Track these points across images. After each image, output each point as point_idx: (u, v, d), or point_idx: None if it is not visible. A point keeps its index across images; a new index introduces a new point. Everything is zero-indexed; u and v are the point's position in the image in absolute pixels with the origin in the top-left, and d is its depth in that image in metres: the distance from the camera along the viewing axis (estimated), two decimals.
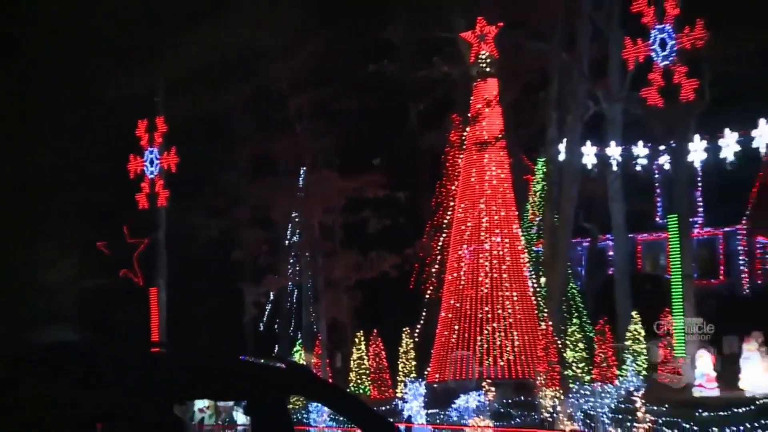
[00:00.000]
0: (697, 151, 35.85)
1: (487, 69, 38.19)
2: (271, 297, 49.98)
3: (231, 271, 45.60)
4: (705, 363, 32.41)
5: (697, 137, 35.82)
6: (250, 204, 43.93)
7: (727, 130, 35.36)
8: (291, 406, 30.40)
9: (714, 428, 27.73)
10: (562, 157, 37.82)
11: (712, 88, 36.23)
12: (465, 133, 39.82)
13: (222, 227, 44.41)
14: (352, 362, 38.44)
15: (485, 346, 36.14)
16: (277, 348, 48.94)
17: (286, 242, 47.60)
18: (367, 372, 37.92)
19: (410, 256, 45.50)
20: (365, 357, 38.12)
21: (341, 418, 29.03)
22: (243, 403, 27.72)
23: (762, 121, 34.78)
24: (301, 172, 44.29)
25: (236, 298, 46.07)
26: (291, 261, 47.91)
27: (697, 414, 28.73)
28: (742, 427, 27.93)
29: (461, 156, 40.43)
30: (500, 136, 37.77)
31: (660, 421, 28.10)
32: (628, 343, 33.72)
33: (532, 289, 38.00)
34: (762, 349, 31.56)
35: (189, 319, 44.30)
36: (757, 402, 28.98)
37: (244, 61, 39.86)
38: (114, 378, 7.30)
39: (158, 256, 42.65)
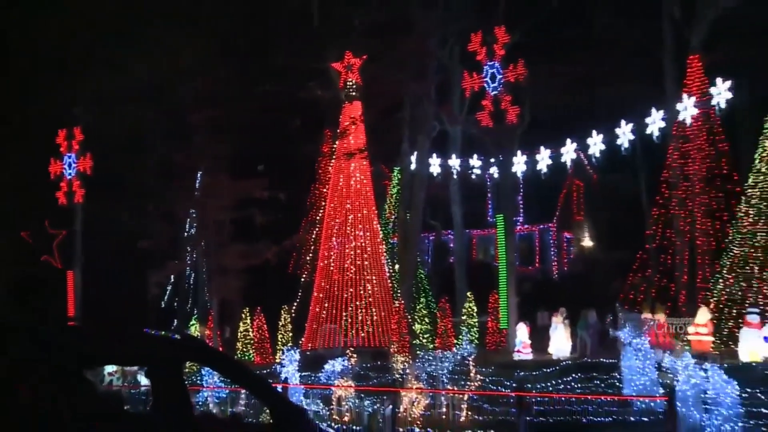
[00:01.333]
0: (519, 163, 37.41)
1: (353, 93, 38.91)
2: (172, 279, 50.68)
3: (139, 258, 45.64)
4: (522, 333, 33.89)
5: (519, 152, 37.48)
6: (156, 202, 44.34)
7: (542, 147, 37.02)
8: (186, 370, 31.25)
9: (528, 384, 27.90)
10: (413, 166, 39.31)
11: (531, 113, 38.50)
12: (335, 146, 40.62)
13: (133, 221, 44.60)
14: (239, 334, 38.74)
15: (349, 320, 37.07)
16: (175, 322, 49.41)
17: (185, 234, 48.34)
18: (251, 342, 38.23)
19: (289, 246, 46.71)
20: (250, 329, 38.41)
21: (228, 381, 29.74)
22: (145, 368, 29.23)
23: (568, 141, 36.48)
24: (198, 176, 45.01)
25: (143, 281, 46.35)
26: (189, 250, 48.65)
27: (515, 374, 29.35)
28: (549, 384, 28.39)
29: (332, 164, 41.21)
30: (363, 148, 38.64)
31: (487, 380, 28.65)
32: (464, 317, 34.98)
33: (388, 274, 38.79)
34: (565, 321, 33.35)
35: (102, 299, 43.93)
36: (561, 363, 30.33)
37: (155, 82, 40.30)
38: (37, 347, 7.95)
39: (75, 244, 43.51)
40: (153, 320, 49.02)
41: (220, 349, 36.81)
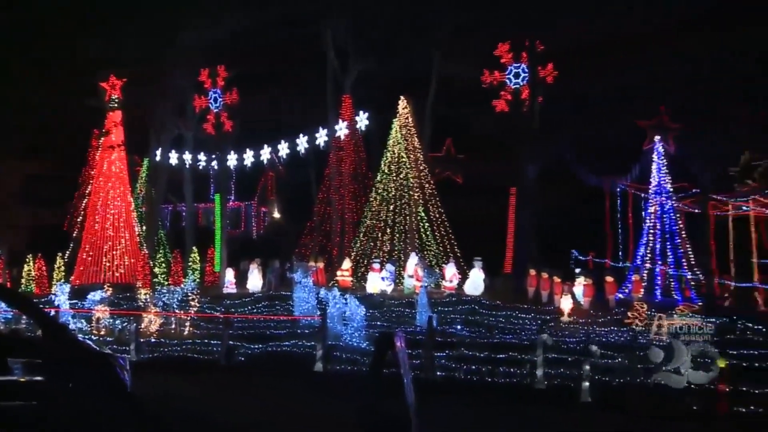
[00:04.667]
0: (231, 159, 37.05)
1: (115, 104, 37.60)
2: None
3: None
4: (230, 274, 33.29)
5: (232, 151, 37.12)
6: None
7: (248, 149, 36.56)
8: None
9: (232, 309, 27.99)
10: (158, 158, 38.57)
11: (242, 125, 38.04)
12: (101, 140, 39.11)
13: None
14: (24, 273, 36.62)
15: (108, 264, 36.25)
16: None
17: None
18: (33, 279, 36.25)
19: (67, 210, 44.88)
20: (32, 270, 36.35)
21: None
22: None
23: (265, 146, 36.05)
24: None
25: None
26: None
27: (224, 302, 29.56)
28: (246, 309, 28.99)
29: (98, 154, 39.69)
30: (122, 143, 37.57)
31: (204, 306, 28.53)
32: (190, 263, 34.41)
33: (137, 232, 37.92)
34: (259, 267, 32.69)
35: None
36: (255, 295, 30.71)
37: None
38: None
39: None
40: None
41: (8, 285, 35.06)
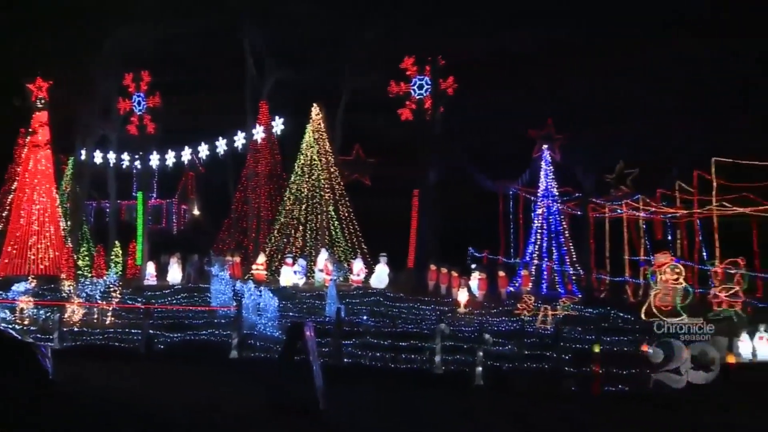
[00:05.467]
0: (154, 159, 35.73)
1: (41, 105, 36.52)
2: None
3: None
4: (150, 267, 32.70)
5: (155, 152, 35.82)
6: None
7: (169, 150, 35.53)
8: None
9: (153, 300, 27.71)
10: (83, 157, 37.40)
11: (164, 128, 37.11)
12: (28, 139, 37.55)
13: None
14: None
15: (33, 257, 35.12)
16: None
17: None
18: None
19: None
20: None
21: None
22: None
23: (186, 147, 35.20)
24: None
25: None
26: None
27: (144, 293, 29.18)
28: (166, 300, 28.34)
29: (24, 152, 38.18)
30: (47, 142, 36.53)
31: (126, 297, 27.81)
32: (113, 257, 33.43)
33: (62, 227, 36.90)
34: (179, 261, 32.26)
35: None
36: (174, 287, 30.24)
37: None
38: None
39: None
40: None
41: None
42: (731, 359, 21.27)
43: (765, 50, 35.74)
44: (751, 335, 22.78)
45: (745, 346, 22.52)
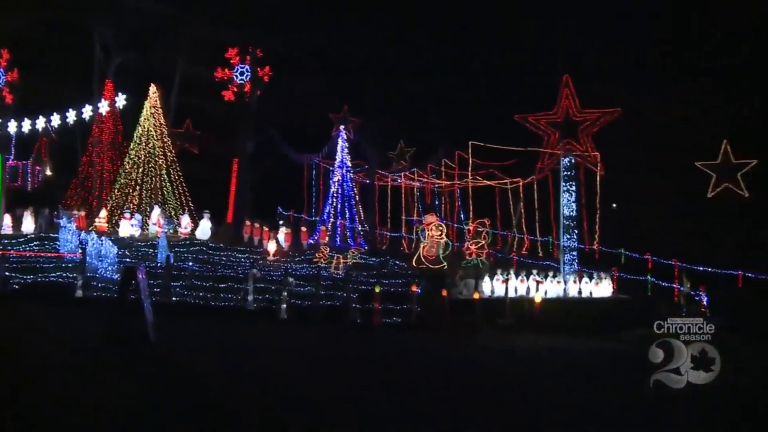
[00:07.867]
0: (10, 126, 32.73)
1: None
2: None
3: None
4: (8, 219, 31.07)
5: (12, 120, 32.71)
6: None
7: (26, 118, 32.64)
8: None
9: (9, 247, 26.85)
10: None
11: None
12: None
13: None
14: None
15: None
16: None
17: None
18: None
19: None
20: None
21: None
22: None
23: (40, 116, 32.62)
24: None
25: None
26: None
27: (1, 241, 27.75)
28: (21, 247, 27.67)
29: None
30: None
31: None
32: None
33: None
34: (33, 213, 31.14)
35: None
36: (27, 236, 28.97)
37: None
38: None
39: None
40: None
41: None
42: (476, 295, 24.82)
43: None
44: (491, 277, 26.85)
45: (486, 286, 26.53)
